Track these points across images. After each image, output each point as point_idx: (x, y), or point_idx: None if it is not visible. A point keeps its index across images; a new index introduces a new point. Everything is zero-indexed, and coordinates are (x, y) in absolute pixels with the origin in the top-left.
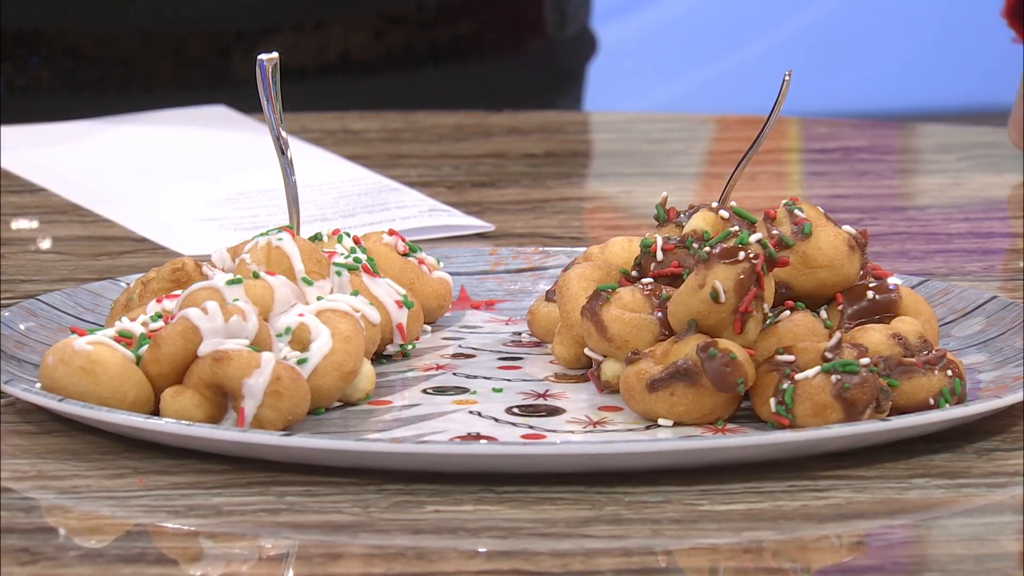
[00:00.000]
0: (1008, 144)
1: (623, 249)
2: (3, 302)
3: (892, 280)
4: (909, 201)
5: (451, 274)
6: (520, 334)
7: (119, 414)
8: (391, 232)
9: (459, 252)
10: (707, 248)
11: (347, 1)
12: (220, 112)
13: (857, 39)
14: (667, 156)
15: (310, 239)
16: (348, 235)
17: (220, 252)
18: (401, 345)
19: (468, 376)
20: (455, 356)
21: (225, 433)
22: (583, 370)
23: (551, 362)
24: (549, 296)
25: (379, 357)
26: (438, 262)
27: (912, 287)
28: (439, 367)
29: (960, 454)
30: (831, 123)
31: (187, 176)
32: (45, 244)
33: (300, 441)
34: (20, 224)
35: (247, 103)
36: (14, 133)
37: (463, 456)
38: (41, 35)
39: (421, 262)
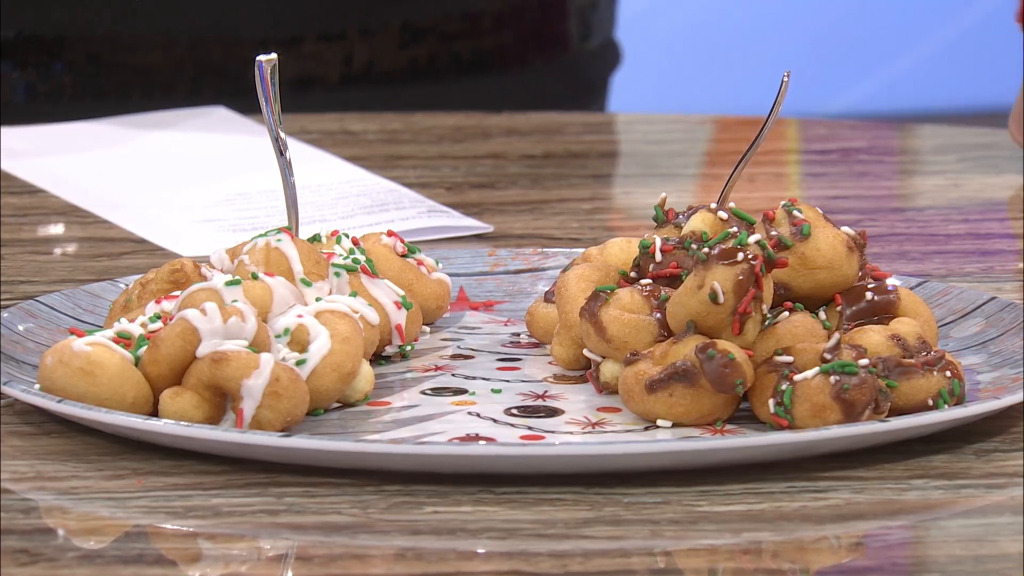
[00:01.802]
0: (1007, 145)
1: (621, 250)
2: (2, 303)
3: (891, 281)
4: (908, 202)
5: (450, 275)
6: (519, 335)
7: (118, 415)
8: (390, 233)
9: (458, 253)
10: (706, 249)
11: (372, 12)
12: (219, 113)
13: (857, 40)
14: (666, 157)
15: (309, 240)
16: (347, 236)
17: (219, 253)
18: (400, 346)
19: (467, 377)
20: (454, 357)
21: (224, 434)
22: (582, 371)
23: (550, 363)
24: (548, 297)
25: (378, 358)
26: (437, 263)
27: (911, 288)
28: (438, 368)
29: (959, 455)
30: (830, 124)
31: (186, 177)
32: (44, 245)
33: (299, 442)
34: (19, 225)
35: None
36: (14, 134)
37: (462, 457)
38: (64, 41)
39: (420, 263)
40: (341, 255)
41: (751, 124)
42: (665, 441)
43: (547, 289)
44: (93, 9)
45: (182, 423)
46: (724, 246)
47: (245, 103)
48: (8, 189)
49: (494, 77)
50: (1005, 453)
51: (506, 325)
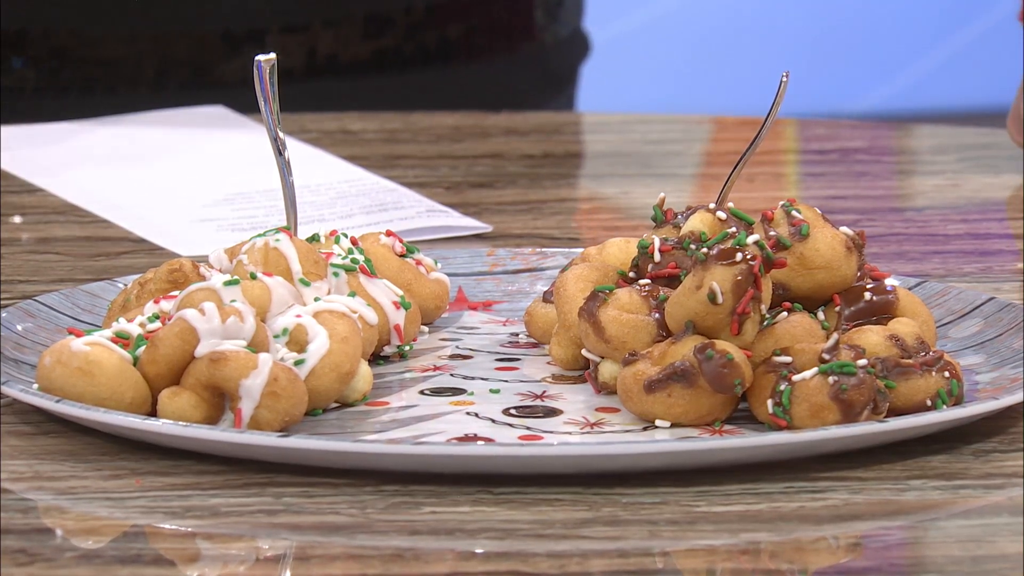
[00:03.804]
0: (1006, 145)
1: (620, 250)
2: (1, 303)
3: (889, 281)
4: (907, 202)
5: (448, 275)
6: (518, 335)
7: (116, 415)
8: (388, 233)
9: (456, 253)
10: (704, 249)
11: (335, 3)
12: (219, 112)
13: (856, 39)
14: (665, 157)
15: (307, 240)
16: (345, 236)
17: (217, 253)
18: (398, 346)
19: (465, 377)
20: (452, 357)
21: (222, 434)
22: (580, 371)
23: (548, 363)
24: (546, 297)
25: (376, 358)
26: (435, 263)
27: (909, 288)
28: (436, 368)
29: (957, 455)
30: (829, 124)
31: (185, 176)
32: (43, 245)
33: (297, 442)
34: (18, 224)
35: (234, 104)
36: (13, 133)
37: (460, 457)
38: (26, 36)
39: (419, 263)
40: (339, 255)
41: (750, 124)
42: (663, 442)
43: (546, 289)
44: (55, 3)
45: (180, 423)
46: (723, 246)
47: (209, 96)
48: (7, 188)
49: (460, 68)
50: (1003, 454)
51: (504, 325)
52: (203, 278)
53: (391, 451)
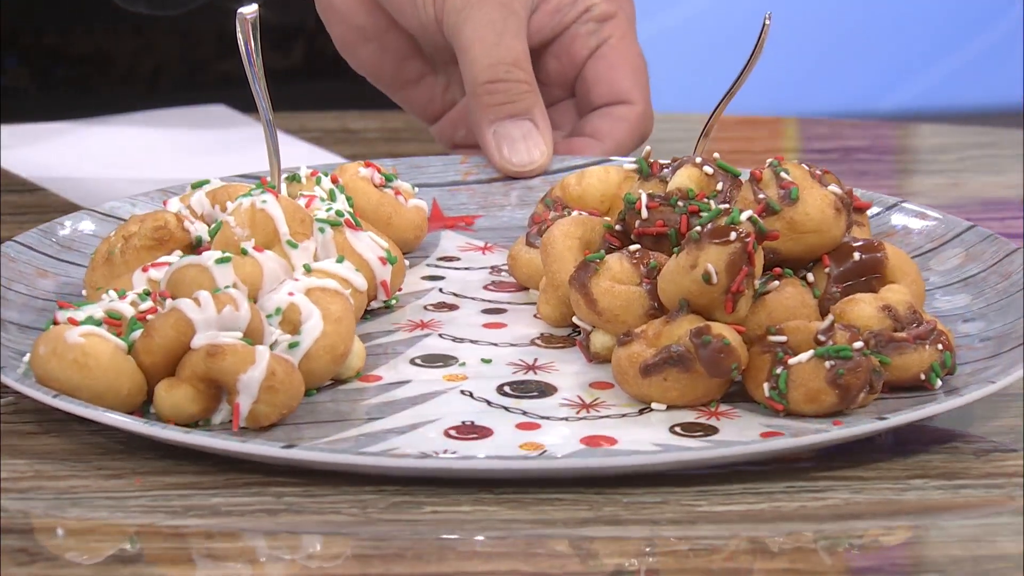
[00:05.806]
0: (1007, 144)
1: (600, 180)
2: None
3: (871, 212)
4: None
5: (422, 185)
6: (500, 270)
7: (119, 417)
8: (367, 164)
9: (430, 162)
10: (698, 228)
11: None
12: (219, 111)
13: (857, 39)
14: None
15: (287, 179)
16: (326, 175)
17: (199, 196)
18: (385, 301)
19: (455, 340)
20: (438, 306)
21: (224, 442)
22: (568, 328)
23: (535, 316)
24: (530, 240)
25: (363, 313)
26: (413, 189)
27: (888, 208)
28: (424, 324)
29: (958, 455)
30: (830, 123)
31: (185, 175)
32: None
33: (300, 454)
34: (19, 223)
35: (229, 102)
36: (12, 132)
37: (462, 471)
38: (19, 34)
39: (397, 192)
40: (321, 197)
41: (752, 123)
42: (664, 451)
43: (528, 231)
44: (47, 1)
45: (182, 429)
46: (716, 224)
47: (203, 94)
48: (8, 187)
49: None
50: (1004, 453)
51: (484, 253)
52: (187, 232)
53: (393, 463)
